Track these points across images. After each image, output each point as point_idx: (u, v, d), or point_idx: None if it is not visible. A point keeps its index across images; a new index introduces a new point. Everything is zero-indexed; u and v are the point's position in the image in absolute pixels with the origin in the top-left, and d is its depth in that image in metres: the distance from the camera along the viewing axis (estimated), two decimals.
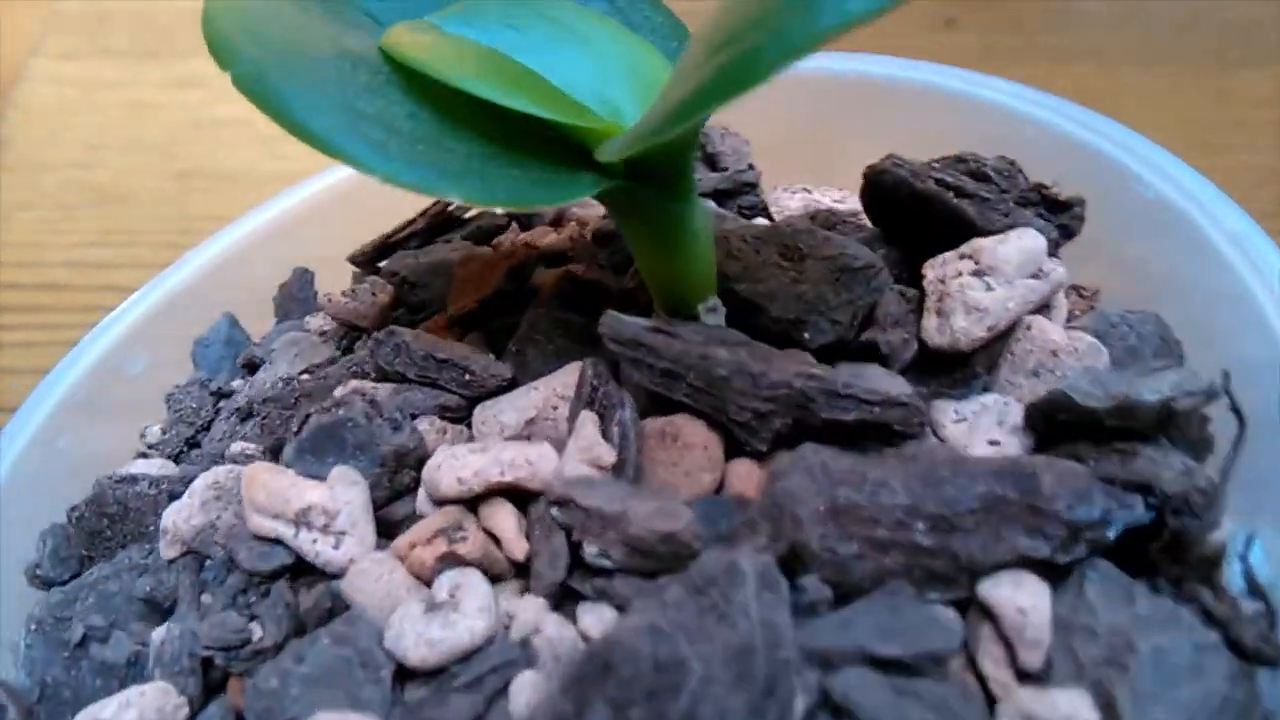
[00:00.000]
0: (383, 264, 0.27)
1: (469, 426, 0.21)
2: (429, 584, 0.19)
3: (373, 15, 0.21)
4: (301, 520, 0.19)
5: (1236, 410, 0.18)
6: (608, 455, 0.19)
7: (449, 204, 0.28)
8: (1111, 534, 0.17)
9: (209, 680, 0.19)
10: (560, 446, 0.19)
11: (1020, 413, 0.20)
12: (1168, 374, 0.18)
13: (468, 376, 0.21)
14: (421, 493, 0.20)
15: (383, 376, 0.22)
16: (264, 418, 0.23)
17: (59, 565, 0.23)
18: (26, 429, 0.25)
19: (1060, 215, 0.22)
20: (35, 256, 0.45)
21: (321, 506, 0.19)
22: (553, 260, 0.25)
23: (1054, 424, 0.19)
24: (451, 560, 0.18)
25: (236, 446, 0.23)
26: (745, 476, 0.19)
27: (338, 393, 0.22)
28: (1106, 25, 0.52)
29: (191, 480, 0.22)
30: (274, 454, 0.23)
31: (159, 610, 0.21)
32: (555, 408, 0.21)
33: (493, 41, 0.20)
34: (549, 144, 0.19)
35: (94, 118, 0.52)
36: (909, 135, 0.24)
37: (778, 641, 0.16)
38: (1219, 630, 0.16)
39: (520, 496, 0.19)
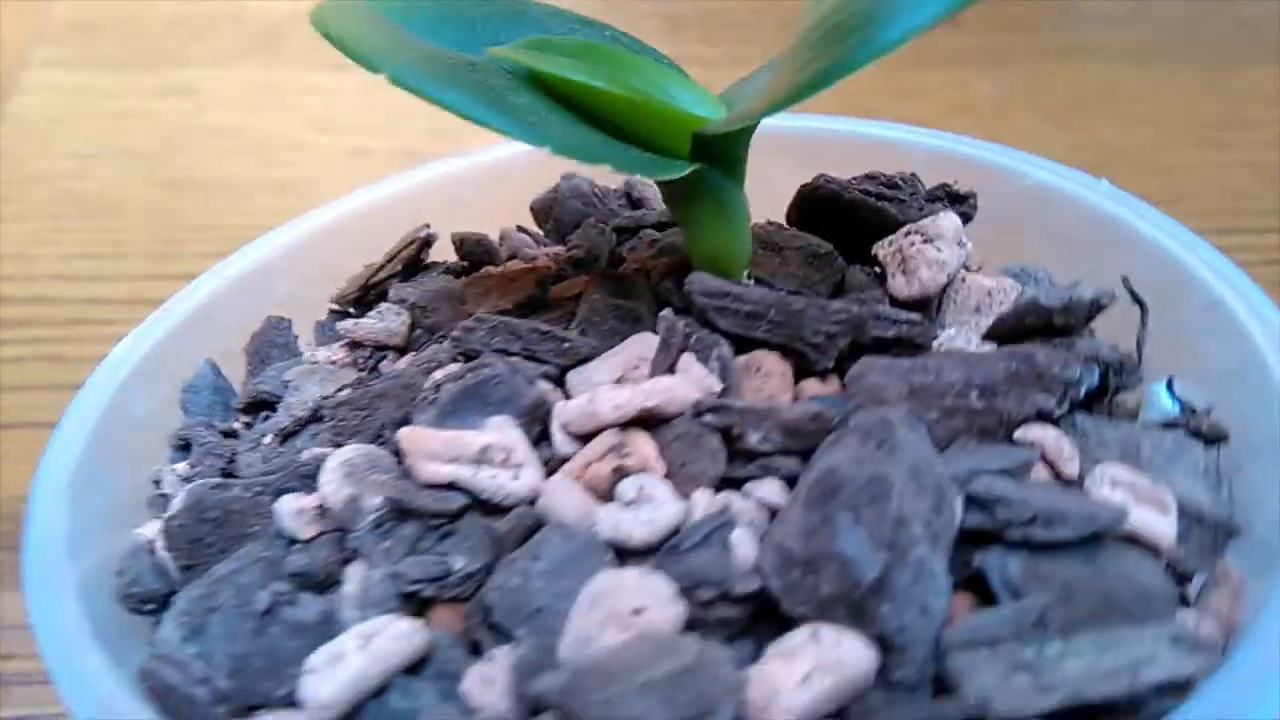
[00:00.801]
0: (390, 294, 0.29)
1: (563, 390, 0.24)
2: (605, 498, 0.21)
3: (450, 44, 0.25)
4: (483, 458, 0.21)
5: (1137, 299, 0.26)
6: (716, 384, 0.23)
7: (422, 243, 0.31)
8: (1082, 391, 0.24)
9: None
10: None
11: (977, 336, 0.27)
12: (1084, 286, 0.26)
13: (565, 345, 0.24)
14: (559, 434, 0.22)
15: (472, 359, 0.24)
16: (338, 421, 0.24)
17: (158, 580, 0.22)
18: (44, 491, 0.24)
19: (961, 205, 0.30)
20: (24, 269, 0.41)
21: (499, 444, 0.21)
22: (557, 278, 0.29)
23: (1018, 328, 0.26)
24: (622, 472, 0.21)
25: (307, 454, 0.24)
26: (815, 391, 0.24)
27: (438, 375, 0.24)
28: (1110, 23, 0.54)
29: (272, 481, 0.23)
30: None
31: (315, 583, 0.21)
32: (636, 368, 0.24)
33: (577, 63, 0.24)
34: (635, 140, 0.24)
35: (84, 128, 0.47)
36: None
37: (934, 463, 0.21)
38: (1182, 429, 0.23)
39: (650, 424, 0.23)
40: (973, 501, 0.21)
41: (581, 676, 0.17)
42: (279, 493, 0.23)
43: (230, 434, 0.27)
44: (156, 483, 0.26)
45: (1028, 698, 0.19)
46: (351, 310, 0.30)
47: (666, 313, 0.24)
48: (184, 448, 0.27)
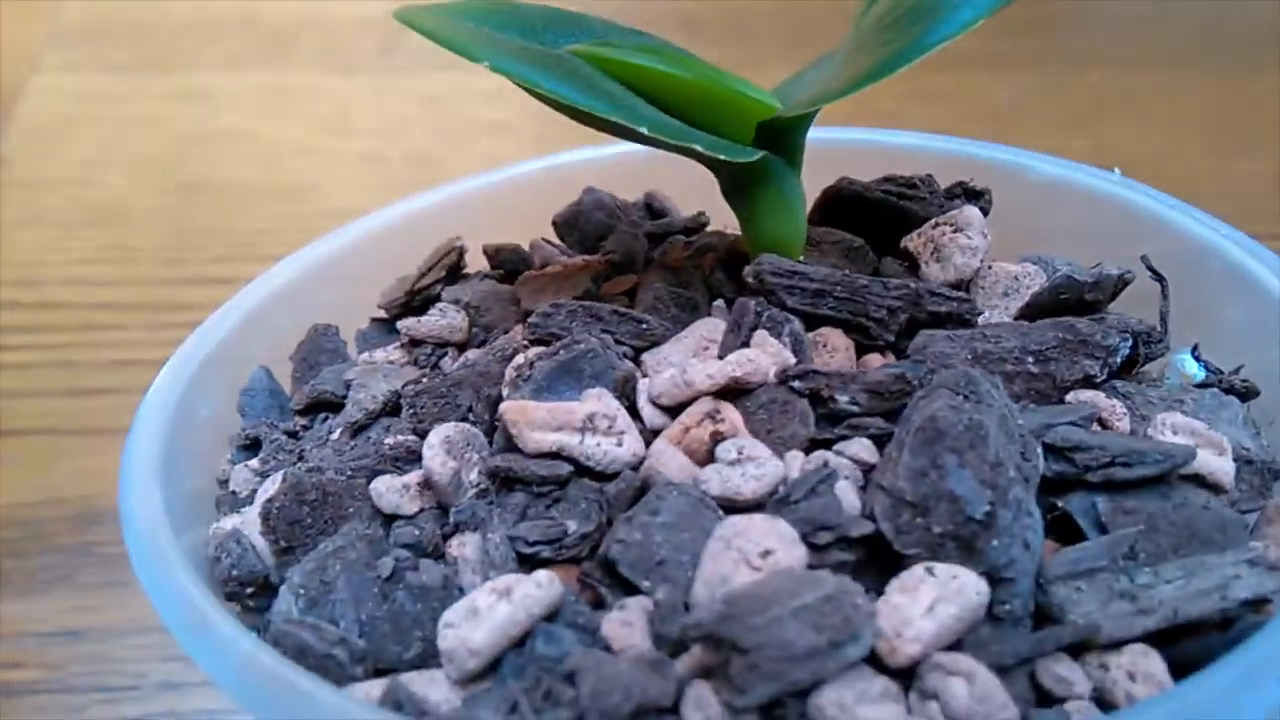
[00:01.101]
0: (444, 296, 0.29)
1: (640, 368, 0.25)
2: (704, 462, 0.22)
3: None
4: (588, 426, 0.22)
5: (1157, 275, 0.28)
6: (790, 357, 0.24)
7: (460, 252, 0.31)
8: (1119, 359, 0.26)
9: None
10: None
11: (1008, 319, 0.28)
12: (1109, 264, 0.28)
13: (643, 326, 0.25)
14: (648, 407, 0.23)
15: (547, 344, 0.25)
16: (418, 409, 0.25)
17: (257, 562, 0.22)
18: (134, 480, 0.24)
19: (978, 201, 0.31)
20: (34, 275, 0.39)
21: (602, 412, 0.22)
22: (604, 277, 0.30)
23: (1054, 304, 0.27)
24: (719, 437, 0.22)
25: (391, 440, 0.25)
26: (876, 362, 0.25)
27: (520, 359, 0.24)
28: (1126, 27, 0.54)
29: (363, 465, 0.23)
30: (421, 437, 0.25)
31: (424, 555, 0.22)
32: (706, 348, 0.25)
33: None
34: (702, 128, 0.25)
35: (94, 132, 0.46)
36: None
37: (1016, 413, 0.22)
38: (1215, 387, 0.25)
39: (734, 395, 0.23)
40: (1050, 450, 0.22)
41: (734, 604, 0.18)
42: (372, 474, 0.23)
43: (292, 434, 0.27)
44: (223, 482, 0.26)
45: (1130, 620, 0.20)
46: (396, 316, 0.30)
47: (743, 299, 0.25)
48: (250, 446, 0.27)
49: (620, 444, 0.22)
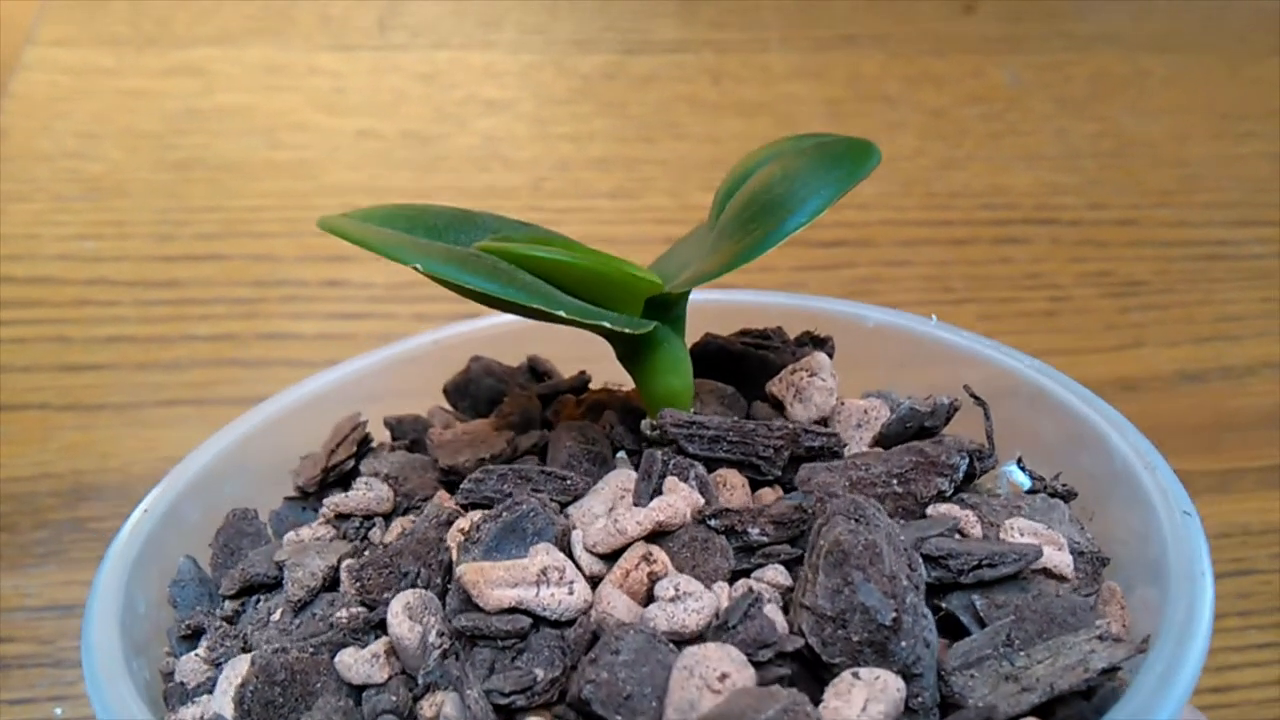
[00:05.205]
0: (362, 469, 0.31)
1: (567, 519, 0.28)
2: (645, 601, 0.25)
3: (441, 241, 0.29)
4: (542, 579, 0.24)
5: (979, 400, 0.33)
6: (700, 498, 0.28)
7: (364, 426, 0.33)
8: (961, 473, 0.31)
9: None
10: None
11: (864, 446, 0.33)
12: (939, 397, 0.33)
13: (567, 483, 0.28)
14: (584, 555, 0.26)
15: (484, 507, 0.27)
16: (364, 581, 0.27)
17: None
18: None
19: (823, 347, 0.36)
20: (29, 249, 0.38)
21: (552, 565, 0.25)
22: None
23: (902, 432, 0.32)
24: (654, 577, 0.25)
25: (343, 613, 0.26)
26: (770, 498, 0.29)
27: (463, 522, 0.27)
28: (1130, 10, 0.52)
29: (322, 640, 0.25)
30: (370, 608, 0.26)
31: (402, 717, 0.23)
32: (623, 497, 0.29)
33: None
34: (598, 304, 0.29)
35: (90, 107, 0.43)
36: None
37: (897, 531, 0.26)
38: (1042, 491, 0.30)
39: (660, 536, 0.27)
40: (928, 559, 0.26)
41: None
42: (335, 648, 0.25)
43: (229, 619, 0.28)
44: (166, 674, 0.27)
45: (1018, 698, 0.24)
46: (314, 493, 0.32)
47: (650, 450, 0.28)
48: (190, 636, 0.28)
49: (571, 592, 0.25)
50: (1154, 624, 0.25)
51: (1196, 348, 0.52)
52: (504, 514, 0.26)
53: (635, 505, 0.28)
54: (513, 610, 0.24)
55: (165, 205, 0.50)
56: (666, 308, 0.29)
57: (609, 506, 0.28)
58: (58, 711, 0.34)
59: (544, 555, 0.25)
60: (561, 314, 0.26)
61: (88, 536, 0.39)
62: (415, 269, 0.25)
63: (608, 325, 0.26)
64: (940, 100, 0.58)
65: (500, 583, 0.24)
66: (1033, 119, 0.52)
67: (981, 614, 0.25)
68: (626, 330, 0.27)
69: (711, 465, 0.29)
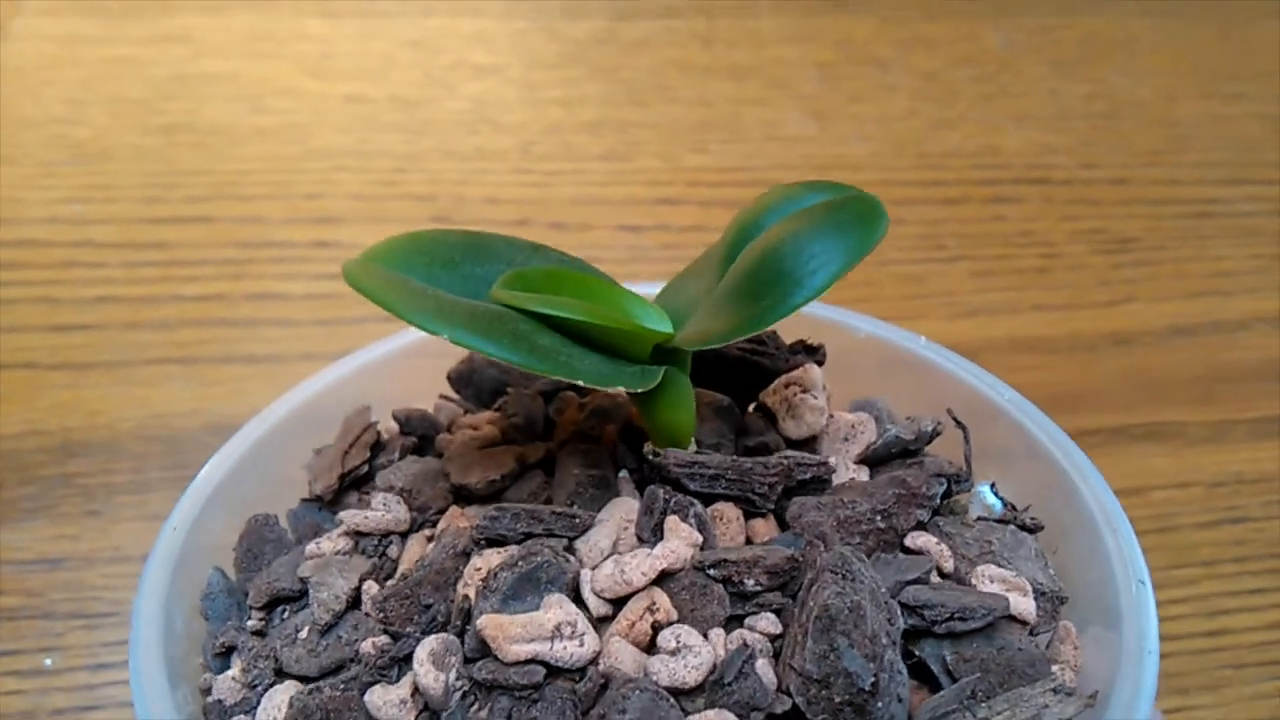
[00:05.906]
0: (378, 481, 0.33)
1: (575, 555, 0.30)
2: (648, 647, 0.27)
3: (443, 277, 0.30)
4: (557, 634, 0.27)
5: (960, 424, 0.35)
6: (698, 535, 0.30)
7: (373, 426, 0.35)
8: (939, 501, 0.33)
9: None
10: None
11: (849, 460, 0.35)
12: (922, 419, 0.35)
13: (575, 520, 0.30)
14: (593, 598, 0.28)
15: (498, 543, 0.29)
16: (387, 612, 0.29)
17: None
18: None
19: (814, 355, 0.38)
20: (15, 213, 0.40)
21: (565, 620, 0.27)
22: (511, 440, 0.34)
23: (885, 454, 0.34)
24: (658, 626, 0.28)
25: (368, 644, 0.28)
26: (762, 529, 0.31)
27: (479, 562, 0.29)
28: None
29: (351, 677, 0.27)
30: (394, 639, 0.29)
31: None
32: (626, 529, 0.31)
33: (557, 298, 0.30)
34: (611, 350, 0.30)
35: (76, 73, 0.44)
36: None
37: (880, 584, 0.28)
38: (1011, 524, 0.33)
39: (662, 578, 0.29)
40: (905, 607, 0.29)
41: None
42: (363, 686, 0.27)
43: (258, 633, 0.30)
44: (204, 690, 0.29)
45: None
46: (332, 501, 0.34)
47: (652, 488, 0.30)
48: (224, 654, 0.30)
49: (582, 644, 0.27)
50: (1105, 671, 0.28)
51: (1188, 302, 0.54)
52: (520, 563, 0.28)
53: (638, 538, 0.30)
54: (529, 661, 0.27)
55: (152, 169, 0.50)
56: (674, 351, 0.31)
57: (613, 539, 0.30)
58: (47, 662, 0.36)
59: (557, 609, 0.27)
60: (581, 383, 0.27)
61: (75, 492, 0.41)
62: (445, 338, 0.26)
63: (624, 389, 0.28)
64: (933, 63, 0.58)
65: (518, 639, 0.26)
66: (1024, 81, 0.52)
67: (951, 668, 0.28)
68: (640, 389, 0.28)
69: (710, 500, 0.31)
